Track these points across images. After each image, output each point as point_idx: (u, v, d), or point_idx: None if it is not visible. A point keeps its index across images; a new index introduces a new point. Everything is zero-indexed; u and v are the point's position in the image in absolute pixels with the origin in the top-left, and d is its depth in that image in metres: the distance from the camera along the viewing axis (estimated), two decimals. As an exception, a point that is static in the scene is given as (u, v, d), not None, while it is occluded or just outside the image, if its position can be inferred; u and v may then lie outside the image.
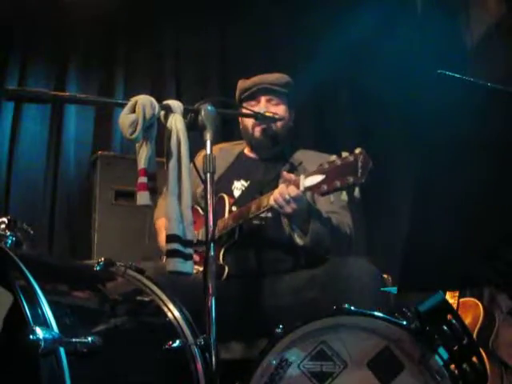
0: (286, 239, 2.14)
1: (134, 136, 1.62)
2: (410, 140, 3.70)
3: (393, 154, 4.10)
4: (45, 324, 1.18)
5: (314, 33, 4.36)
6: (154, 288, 1.65)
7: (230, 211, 2.19)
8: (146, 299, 1.63)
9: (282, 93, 2.34)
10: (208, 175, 1.67)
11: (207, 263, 1.59)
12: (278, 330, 1.60)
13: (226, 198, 2.23)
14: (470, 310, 3.06)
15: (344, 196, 1.73)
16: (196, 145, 1.82)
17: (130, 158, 3.40)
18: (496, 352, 2.92)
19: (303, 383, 1.59)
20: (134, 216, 3.49)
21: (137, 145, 1.68)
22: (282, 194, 1.91)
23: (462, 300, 3.02)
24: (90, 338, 1.23)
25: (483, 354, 1.71)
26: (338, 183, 1.73)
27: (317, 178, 1.80)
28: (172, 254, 1.59)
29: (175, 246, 1.59)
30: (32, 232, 1.68)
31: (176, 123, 1.68)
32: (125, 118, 1.63)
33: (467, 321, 2.97)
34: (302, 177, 1.87)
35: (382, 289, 1.99)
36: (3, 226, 1.58)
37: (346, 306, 1.61)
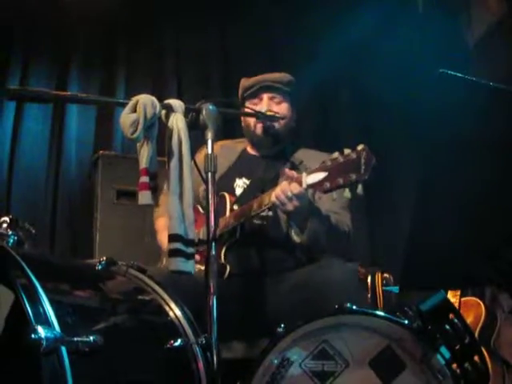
0: (287, 238, 2.14)
1: (135, 135, 1.62)
2: (411, 139, 3.70)
3: (394, 153, 4.10)
4: (46, 323, 1.18)
5: (314, 33, 4.36)
6: (156, 287, 1.65)
7: (232, 210, 2.19)
8: (148, 298, 1.63)
9: (284, 91, 2.34)
10: (209, 175, 1.67)
11: (209, 262, 1.59)
12: (280, 330, 1.60)
13: (227, 196, 2.23)
14: (471, 310, 3.06)
15: (347, 193, 1.72)
16: (197, 144, 1.82)
17: (131, 158, 3.40)
18: (498, 351, 2.92)
19: (305, 382, 1.59)
20: (136, 215, 3.49)
21: (138, 144, 1.68)
22: (284, 191, 1.90)
23: (463, 299, 3.02)
24: (91, 337, 1.23)
25: (485, 354, 1.71)
26: (340, 180, 1.71)
27: (319, 176, 1.78)
28: (174, 253, 1.59)
29: (177, 245, 1.59)
30: (34, 231, 1.68)
31: (177, 122, 1.68)
32: (126, 118, 1.63)
33: (469, 320, 2.97)
34: (304, 174, 1.86)
35: (386, 288, 1.99)
36: (5, 225, 1.58)
37: (348, 305, 1.61)
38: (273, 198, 1.94)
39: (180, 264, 1.59)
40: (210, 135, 1.71)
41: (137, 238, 3.44)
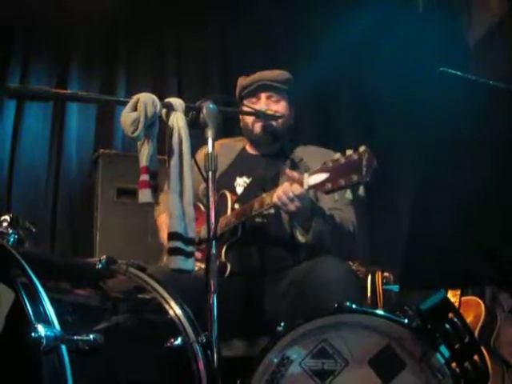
0: (289, 236, 2.14)
1: (135, 134, 1.62)
2: (412, 138, 3.69)
3: (395, 152, 4.10)
4: (46, 322, 1.18)
5: (314, 33, 4.36)
6: (156, 286, 1.65)
7: (233, 208, 2.19)
8: (148, 297, 1.63)
9: (282, 89, 2.34)
10: (210, 173, 1.67)
11: (209, 261, 1.59)
12: (280, 328, 1.60)
13: (228, 195, 2.23)
14: (471, 309, 3.06)
15: (348, 194, 1.73)
16: (197, 142, 1.82)
17: (131, 156, 3.40)
18: (498, 351, 2.92)
19: (304, 381, 1.59)
20: (136, 214, 3.50)
21: (138, 143, 1.68)
22: (285, 191, 1.90)
23: (463, 298, 3.01)
24: (91, 336, 1.23)
25: (485, 353, 1.71)
26: (342, 182, 1.71)
27: (321, 177, 1.79)
28: (174, 251, 1.60)
29: (177, 243, 1.59)
30: (34, 230, 1.68)
31: (178, 121, 1.68)
32: (126, 116, 1.63)
33: (469, 319, 2.97)
34: (305, 175, 1.86)
35: (386, 287, 1.99)
36: (5, 223, 1.58)
37: (348, 303, 1.61)
38: (274, 199, 1.94)
39: (180, 262, 1.59)
40: (210, 134, 1.71)
41: (137, 237, 3.44)
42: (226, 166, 2.37)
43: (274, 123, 2.30)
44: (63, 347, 1.16)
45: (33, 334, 1.12)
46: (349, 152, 1.73)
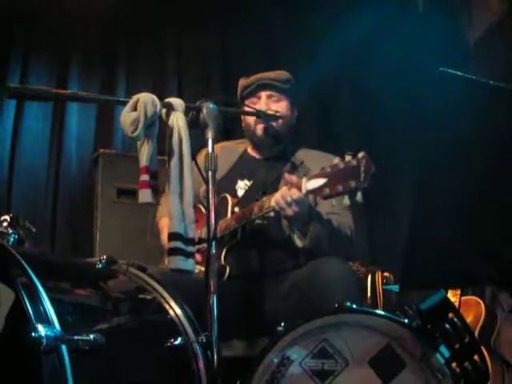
0: (288, 239, 2.14)
1: (135, 134, 1.62)
2: (411, 138, 3.69)
3: (394, 154, 4.10)
4: (47, 321, 1.17)
5: (314, 33, 4.36)
6: (156, 286, 1.65)
7: (233, 212, 2.18)
8: (148, 297, 1.63)
9: (282, 89, 2.34)
10: (210, 173, 1.67)
11: (209, 261, 1.59)
12: (280, 328, 1.60)
13: (229, 198, 2.22)
14: (471, 309, 3.06)
15: (346, 200, 1.72)
16: (198, 143, 1.82)
17: (131, 156, 3.40)
18: (498, 350, 2.92)
19: (305, 381, 1.59)
20: (136, 214, 3.49)
21: (138, 143, 1.68)
22: (283, 196, 1.90)
23: (463, 298, 3.02)
24: (91, 336, 1.23)
25: (485, 353, 1.71)
26: (340, 187, 1.71)
27: (319, 182, 1.78)
28: (173, 251, 1.60)
29: (177, 244, 1.60)
30: (34, 230, 1.68)
31: (178, 121, 1.68)
32: (126, 116, 1.63)
33: (469, 319, 2.97)
34: (304, 179, 1.86)
35: (386, 287, 1.99)
36: (5, 223, 1.59)
37: (348, 303, 1.61)
38: (272, 203, 1.94)
39: (180, 262, 1.59)
40: (210, 134, 1.70)
41: (137, 237, 3.44)
42: (228, 168, 2.36)
43: (274, 124, 2.29)
44: (63, 347, 1.16)
45: (33, 334, 1.12)
46: (348, 157, 1.73)
